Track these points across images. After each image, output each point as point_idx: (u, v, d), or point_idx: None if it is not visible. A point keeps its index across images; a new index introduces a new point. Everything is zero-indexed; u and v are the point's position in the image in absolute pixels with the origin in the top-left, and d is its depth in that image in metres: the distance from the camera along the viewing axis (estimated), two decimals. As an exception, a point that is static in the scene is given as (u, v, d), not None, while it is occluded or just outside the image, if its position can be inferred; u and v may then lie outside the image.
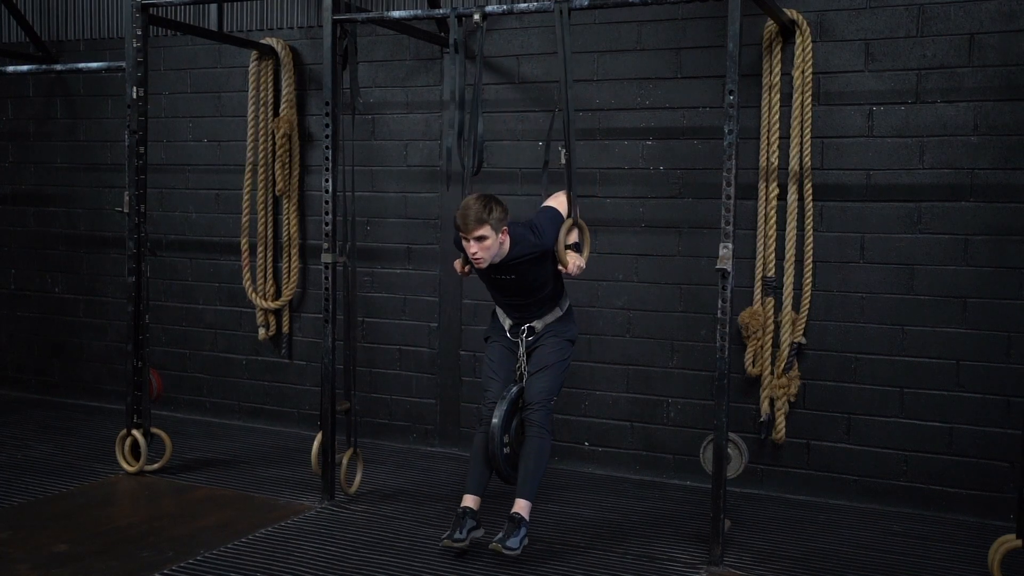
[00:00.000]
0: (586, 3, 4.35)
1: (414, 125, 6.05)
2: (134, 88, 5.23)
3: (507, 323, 4.51)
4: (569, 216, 4.37)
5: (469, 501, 4.31)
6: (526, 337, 4.44)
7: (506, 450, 4.32)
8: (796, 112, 5.05)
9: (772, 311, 5.18)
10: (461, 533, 4.19)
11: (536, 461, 4.27)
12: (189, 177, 6.75)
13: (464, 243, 4.22)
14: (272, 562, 4.09)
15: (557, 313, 4.48)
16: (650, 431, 5.53)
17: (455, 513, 4.29)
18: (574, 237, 4.39)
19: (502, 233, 4.20)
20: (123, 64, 5.33)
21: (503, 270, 4.32)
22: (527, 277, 4.33)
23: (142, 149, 5.27)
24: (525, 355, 4.43)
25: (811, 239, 5.09)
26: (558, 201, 4.42)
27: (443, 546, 4.20)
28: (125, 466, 5.33)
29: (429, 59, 5.97)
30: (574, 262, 4.31)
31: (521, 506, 4.23)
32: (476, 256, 4.20)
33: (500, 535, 4.14)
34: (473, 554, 4.20)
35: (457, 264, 4.57)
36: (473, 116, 4.56)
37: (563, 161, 4.38)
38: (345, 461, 4.93)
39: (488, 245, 4.17)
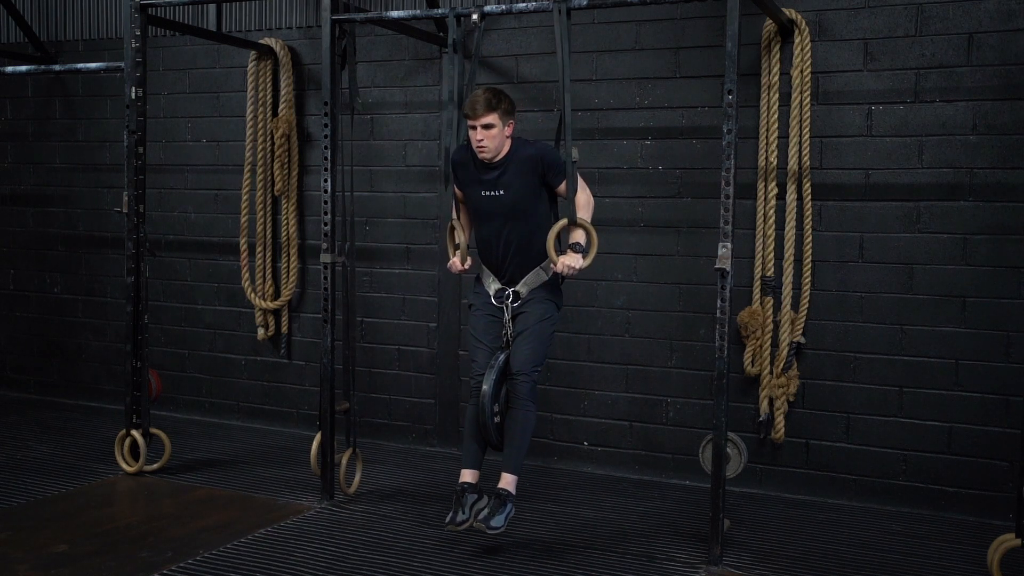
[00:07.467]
0: (585, 3, 4.34)
1: (413, 125, 6.05)
2: (133, 88, 5.23)
3: (492, 287, 4.42)
4: (565, 216, 4.34)
5: (467, 476, 4.28)
6: (511, 303, 4.36)
7: (496, 419, 4.26)
8: (795, 112, 5.05)
9: (771, 310, 5.18)
10: (463, 513, 4.16)
11: (521, 434, 4.24)
12: (188, 177, 6.75)
13: (471, 131, 4.25)
14: (271, 562, 4.09)
15: (542, 276, 4.37)
16: (649, 431, 5.53)
17: (454, 492, 4.26)
18: (578, 238, 4.31)
19: (508, 127, 4.26)
20: (122, 64, 5.33)
21: (494, 182, 4.29)
22: (515, 196, 4.27)
23: (141, 149, 5.27)
24: (510, 321, 4.35)
25: (810, 239, 5.09)
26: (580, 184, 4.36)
27: (448, 531, 4.18)
28: (124, 466, 5.33)
29: (428, 59, 5.97)
30: (563, 261, 4.22)
31: (507, 480, 4.21)
32: (481, 144, 4.22)
33: (484, 512, 4.12)
34: (473, 553, 4.20)
35: (455, 262, 4.50)
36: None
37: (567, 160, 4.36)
38: (344, 461, 4.93)
39: (494, 134, 4.22)
